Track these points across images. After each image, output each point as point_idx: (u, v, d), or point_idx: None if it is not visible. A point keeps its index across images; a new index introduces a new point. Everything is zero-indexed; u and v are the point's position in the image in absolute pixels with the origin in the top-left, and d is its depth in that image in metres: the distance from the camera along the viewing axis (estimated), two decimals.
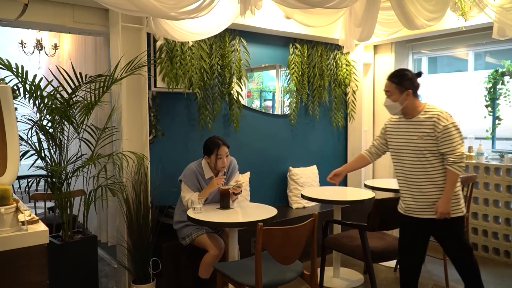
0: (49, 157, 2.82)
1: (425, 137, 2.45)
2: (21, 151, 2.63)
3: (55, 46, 4.71)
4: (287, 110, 4.50)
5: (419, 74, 2.56)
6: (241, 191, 3.06)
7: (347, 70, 4.82)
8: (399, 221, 2.68)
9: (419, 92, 2.56)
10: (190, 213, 2.83)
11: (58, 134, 2.82)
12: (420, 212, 2.51)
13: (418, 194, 2.51)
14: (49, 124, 2.81)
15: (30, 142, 2.79)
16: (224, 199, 2.99)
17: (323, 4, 2.78)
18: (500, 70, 4.24)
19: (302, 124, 4.62)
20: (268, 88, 5.36)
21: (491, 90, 4.28)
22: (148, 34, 3.30)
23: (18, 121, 2.03)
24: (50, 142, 2.81)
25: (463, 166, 2.39)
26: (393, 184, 3.67)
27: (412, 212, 2.55)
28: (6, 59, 2.65)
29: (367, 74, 5.09)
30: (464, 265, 2.53)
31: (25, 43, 4.86)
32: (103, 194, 2.93)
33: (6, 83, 2.21)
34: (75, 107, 2.86)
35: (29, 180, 3.47)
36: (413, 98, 2.51)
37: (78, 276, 2.78)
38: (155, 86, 3.42)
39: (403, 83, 2.49)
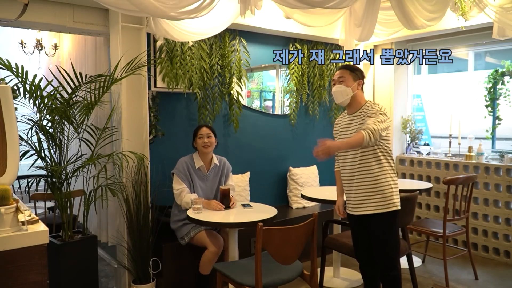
0: (49, 157, 2.82)
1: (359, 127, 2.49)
2: (21, 151, 2.63)
3: (55, 46, 4.71)
4: (287, 110, 4.50)
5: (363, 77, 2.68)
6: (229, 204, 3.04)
7: None
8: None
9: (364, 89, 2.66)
10: (190, 213, 2.83)
11: (58, 134, 2.82)
12: (356, 208, 2.54)
13: (354, 190, 2.54)
14: (49, 124, 2.81)
15: (30, 142, 2.79)
16: (224, 199, 2.99)
17: (323, 4, 2.78)
18: (500, 70, 4.24)
19: (302, 124, 4.62)
20: (268, 88, 5.37)
21: (491, 90, 4.28)
22: (148, 34, 3.30)
23: (18, 121, 2.02)
24: (50, 142, 2.81)
25: (373, 140, 2.29)
26: None
27: (351, 209, 2.60)
28: (6, 59, 2.65)
29: (367, 74, 5.08)
30: (391, 276, 2.53)
31: (25, 43, 4.86)
32: (103, 194, 2.93)
33: (6, 83, 2.21)
34: (75, 107, 2.86)
35: (29, 180, 3.46)
36: (361, 91, 2.62)
37: (78, 276, 2.78)
38: (155, 86, 3.43)
39: (356, 72, 2.61)
